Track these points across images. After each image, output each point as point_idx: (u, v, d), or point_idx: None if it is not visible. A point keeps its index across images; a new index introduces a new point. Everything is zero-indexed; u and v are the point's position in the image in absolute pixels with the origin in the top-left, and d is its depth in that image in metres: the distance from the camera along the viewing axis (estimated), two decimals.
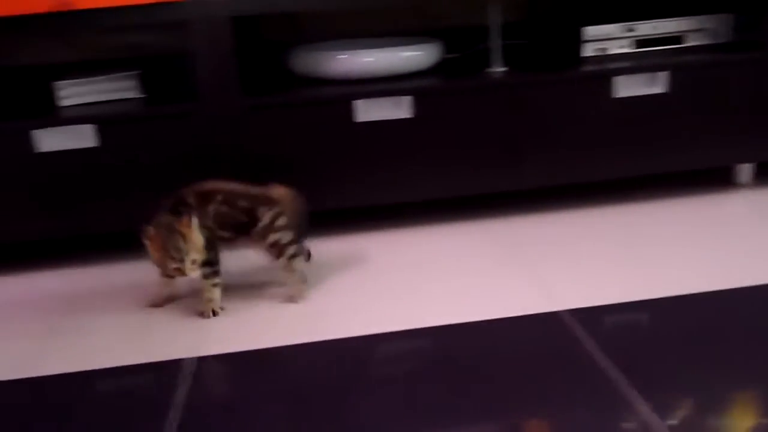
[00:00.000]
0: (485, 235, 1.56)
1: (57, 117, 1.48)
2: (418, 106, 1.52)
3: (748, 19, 1.70)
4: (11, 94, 1.73)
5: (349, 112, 1.50)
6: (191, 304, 1.30)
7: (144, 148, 1.48)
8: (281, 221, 1.27)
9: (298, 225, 1.30)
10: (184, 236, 1.16)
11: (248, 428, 0.94)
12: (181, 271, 1.17)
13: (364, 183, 1.56)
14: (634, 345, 1.08)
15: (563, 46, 1.81)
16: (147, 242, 1.17)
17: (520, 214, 1.66)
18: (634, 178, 1.71)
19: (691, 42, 1.74)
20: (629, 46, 1.73)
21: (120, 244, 1.58)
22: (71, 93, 1.56)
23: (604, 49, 1.70)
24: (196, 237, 1.18)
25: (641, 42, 1.72)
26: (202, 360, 1.12)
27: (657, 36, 1.72)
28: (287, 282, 1.30)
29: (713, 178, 1.78)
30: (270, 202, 1.27)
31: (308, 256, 1.38)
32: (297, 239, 1.29)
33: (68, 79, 1.57)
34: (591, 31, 1.69)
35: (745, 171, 1.75)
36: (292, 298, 1.30)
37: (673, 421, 0.89)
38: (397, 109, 1.52)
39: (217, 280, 1.26)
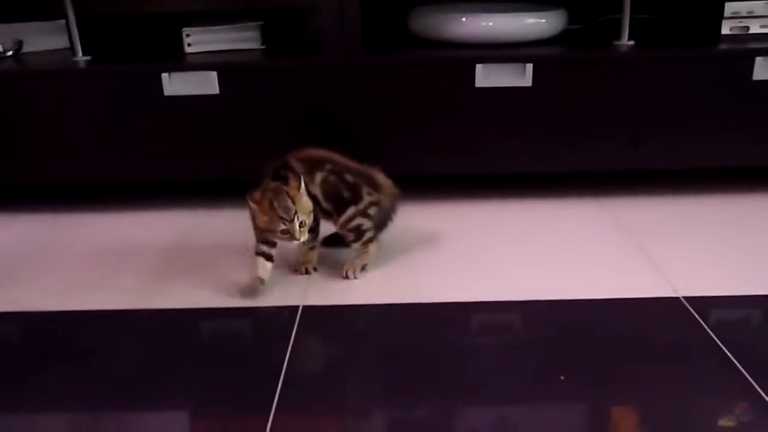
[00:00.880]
0: (597, 213, 1.51)
1: (184, 62, 1.53)
2: (539, 75, 1.48)
3: None
4: (144, 40, 1.80)
5: (469, 76, 1.47)
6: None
7: (263, 99, 1.51)
8: (373, 210, 1.23)
9: (386, 219, 1.27)
10: (293, 198, 1.12)
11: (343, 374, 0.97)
12: (291, 234, 1.11)
13: (477, 150, 1.53)
14: (754, 338, 1.03)
15: (696, 22, 1.71)
16: (253, 206, 1.13)
17: (635, 194, 1.60)
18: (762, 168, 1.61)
19: None
20: None
21: (233, 191, 1.63)
22: (198, 40, 1.61)
23: (745, 28, 1.59)
24: (306, 200, 1.14)
25: None
26: (307, 308, 1.15)
27: None
28: (358, 259, 1.25)
29: None
30: (374, 185, 1.24)
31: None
32: (378, 230, 1.26)
33: (196, 27, 1.61)
34: (732, 7, 1.58)
35: None
36: (352, 272, 1.24)
37: None
38: (517, 76, 1.48)
39: (314, 243, 1.25)
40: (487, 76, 1.48)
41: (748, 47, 1.49)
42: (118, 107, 1.52)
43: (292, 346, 1.04)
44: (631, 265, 1.27)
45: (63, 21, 1.60)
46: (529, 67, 1.47)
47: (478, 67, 1.47)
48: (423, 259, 1.32)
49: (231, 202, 1.54)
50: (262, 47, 1.65)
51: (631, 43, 1.55)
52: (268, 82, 1.50)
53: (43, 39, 1.74)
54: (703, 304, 1.12)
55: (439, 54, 1.54)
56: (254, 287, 1.17)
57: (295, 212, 1.11)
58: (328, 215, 1.23)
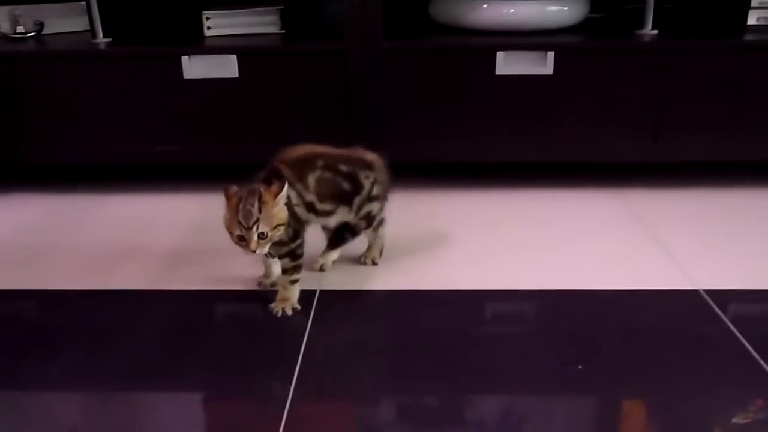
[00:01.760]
0: (614, 204, 1.50)
1: (204, 46, 1.53)
2: (560, 63, 1.46)
3: None
4: (164, 23, 1.80)
5: (490, 63, 1.46)
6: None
7: (282, 83, 1.50)
8: (376, 190, 1.16)
9: (386, 193, 1.20)
10: (262, 203, 0.99)
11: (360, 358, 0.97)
12: (245, 242, 0.99)
13: (495, 138, 1.52)
14: None
15: (721, 12, 1.69)
16: (225, 200, 1.01)
17: (651, 186, 1.59)
18: None
19: None
20: None
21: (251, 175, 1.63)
22: (217, 23, 1.61)
23: None
24: (278, 211, 1.00)
25: None
26: (324, 293, 1.15)
27: None
28: (373, 245, 1.23)
29: None
30: (367, 166, 1.16)
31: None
32: (382, 207, 1.21)
33: (215, 10, 1.61)
34: None
35: None
36: (371, 259, 1.23)
37: None
38: (538, 65, 1.46)
39: (297, 276, 1.09)
40: (508, 64, 1.46)
41: None
42: (138, 90, 1.52)
43: (309, 330, 1.04)
44: (649, 257, 1.26)
45: (84, 2, 1.60)
46: (551, 55, 1.45)
47: (499, 54, 1.46)
48: (439, 246, 1.31)
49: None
50: (281, 32, 1.64)
51: (655, 32, 1.53)
52: (287, 67, 1.49)
53: (64, 20, 1.75)
54: (723, 297, 1.11)
55: (460, 41, 1.53)
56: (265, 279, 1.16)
57: (256, 221, 0.98)
58: (328, 214, 1.14)
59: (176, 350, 1.00)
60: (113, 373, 0.95)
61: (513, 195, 1.56)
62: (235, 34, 1.61)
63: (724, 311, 1.07)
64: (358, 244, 1.23)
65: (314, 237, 1.17)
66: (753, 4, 1.55)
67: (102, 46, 1.56)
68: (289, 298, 1.09)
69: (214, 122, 1.53)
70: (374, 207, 1.17)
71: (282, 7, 1.65)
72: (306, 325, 1.05)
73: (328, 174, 1.11)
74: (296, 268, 1.09)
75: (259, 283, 1.17)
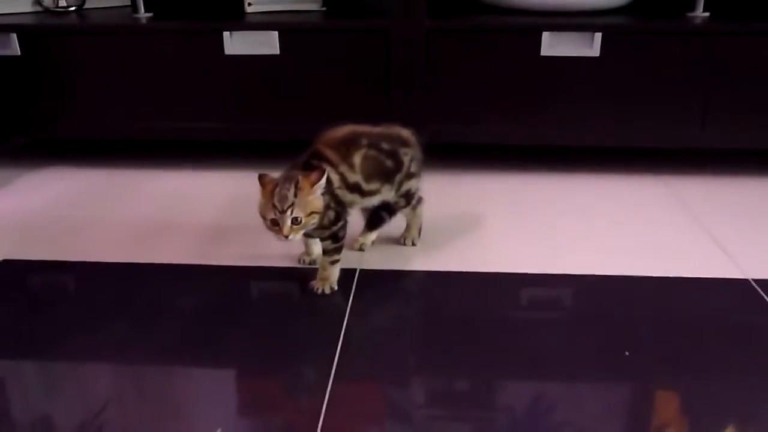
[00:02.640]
0: (660, 190, 1.46)
1: (246, 22, 1.52)
2: (608, 45, 1.43)
3: None
4: None
5: (535, 44, 1.43)
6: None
7: (323, 61, 1.49)
8: (413, 167, 1.15)
9: (420, 170, 1.18)
10: (298, 189, 0.97)
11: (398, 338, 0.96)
12: (278, 227, 0.97)
13: (539, 121, 1.50)
14: None
15: None
16: (261, 187, 1.00)
17: (698, 173, 1.55)
18: None
19: None
20: None
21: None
22: (258, 0, 1.60)
23: None
24: (313, 198, 0.99)
25: None
26: (364, 272, 1.14)
27: None
28: (411, 224, 1.22)
29: None
30: (404, 143, 1.14)
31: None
32: (419, 183, 1.18)
33: None
34: None
35: None
36: (410, 240, 1.22)
37: None
38: (585, 46, 1.43)
39: (337, 257, 1.09)
40: (554, 45, 1.43)
41: None
42: (178, 65, 1.52)
43: (349, 308, 1.03)
44: (696, 245, 1.23)
45: None
46: (598, 36, 1.42)
47: (545, 34, 1.43)
48: (479, 228, 1.30)
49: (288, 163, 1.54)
50: (323, 9, 1.63)
51: (706, 14, 1.49)
52: (329, 44, 1.48)
53: None
54: None
55: (505, 20, 1.50)
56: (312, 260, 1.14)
57: (291, 205, 0.96)
58: (373, 194, 1.12)
59: (216, 325, 1.00)
60: (153, 347, 0.95)
61: (556, 179, 1.54)
62: (276, 10, 1.60)
63: None
64: (396, 224, 1.21)
65: (353, 217, 1.16)
66: None
67: (143, 21, 1.56)
68: (329, 278, 1.09)
69: (253, 99, 1.53)
70: (413, 184, 1.16)
71: None
72: (346, 304, 1.04)
73: (372, 152, 1.09)
74: (337, 250, 1.08)
75: (300, 260, 1.17)
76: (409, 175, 1.15)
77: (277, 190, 0.97)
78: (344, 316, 1.01)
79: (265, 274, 1.15)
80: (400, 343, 0.97)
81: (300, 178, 0.98)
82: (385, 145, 1.11)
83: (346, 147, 1.07)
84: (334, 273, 1.09)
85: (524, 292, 1.10)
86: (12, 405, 0.85)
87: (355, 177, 1.07)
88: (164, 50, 1.51)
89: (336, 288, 1.08)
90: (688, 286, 1.10)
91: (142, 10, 1.59)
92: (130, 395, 0.87)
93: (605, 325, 0.99)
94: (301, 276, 1.12)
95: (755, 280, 1.10)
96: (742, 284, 1.09)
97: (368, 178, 1.09)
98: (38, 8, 1.73)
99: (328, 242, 1.07)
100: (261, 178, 0.99)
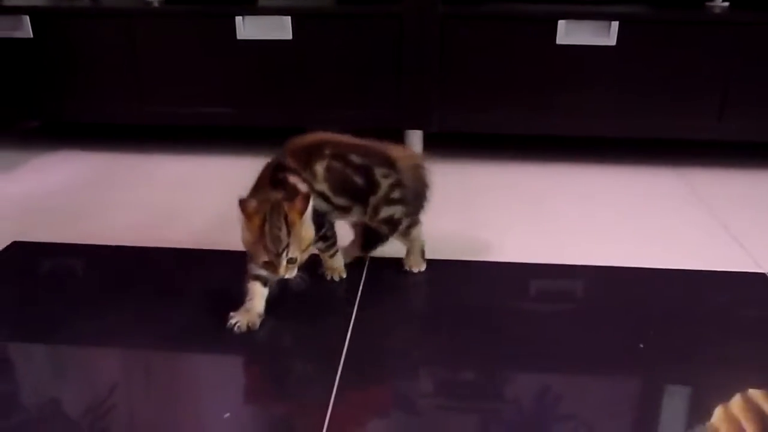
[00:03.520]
0: (674, 182, 1.44)
1: (258, 6, 1.51)
2: (624, 34, 1.40)
3: None
4: None
5: (551, 32, 1.41)
6: None
7: (335, 46, 1.48)
8: (397, 194, 1.01)
9: (419, 197, 1.05)
10: (290, 225, 0.88)
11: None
12: (273, 267, 0.89)
13: (553, 110, 1.48)
14: None
15: None
16: (243, 218, 0.89)
17: (713, 165, 1.53)
18: None
19: None
20: None
21: None
22: None
23: None
24: (306, 230, 0.90)
25: None
26: (373, 260, 1.13)
27: None
28: (410, 250, 1.09)
29: None
30: (387, 163, 1.01)
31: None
32: (415, 212, 1.05)
33: None
34: None
35: None
36: (411, 267, 1.09)
37: None
38: (601, 35, 1.41)
39: (333, 250, 1.05)
40: (569, 33, 1.41)
41: None
42: (191, 50, 1.51)
43: (360, 296, 1.02)
44: (711, 238, 1.21)
45: None
46: (615, 25, 1.40)
47: (561, 23, 1.41)
48: (492, 218, 1.28)
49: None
50: None
51: (726, 4, 1.46)
52: (342, 30, 1.47)
53: None
54: None
55: (520, 8, 1.48)
56: (254, 324, 0.94)
57: (286, 247, 0.88)
58: (345, 210, 1.02)
59: (225, 310, 0.99)
60: (160, 331, 0.94)
61: (570, 169, 1.52)
62: None
63: None
64: None
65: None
66: None
67: (156, 5, 1.55)
68: (336, 267, 1.08)
69: (265, 84, 1.52)
70: (396, 211, 1.02)
71: None
72: (356, 292, 1.03)
73: (336, 164, 0.98)
74: (330, 246, 1.04)
75: (233, 327, 0.97)
76: (390, 201, 1.01)
77: (267, 229, 0.87)
78: (354, 303, 1.00)
79: None
80: (409, 330, 0.96)
81: (287, 211, 0.88)
82: (354, 159, 0.99)
83: (308, 155, 0.98)
84: (338, 261, 1.08)
85: (536, 283, 1.09)
86: (20, 387, 0.85)
87: (320, 186, 0.98)
88: (176, 34, 1.50)
89: (345, 275, 1.07)
90: (704, 278, 1.08)
91: None
92: (137, 379, 0.87)
93: (618, 317, 0.98)
94: (312, 262, 1.11)
95: None
96: (758, 278, 1.08)
97: (335, 192, 0.99)
98: None
99: (320, 244, 1.02)
100: (243, 204, 0.89)
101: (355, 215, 1.04)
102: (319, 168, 0.97)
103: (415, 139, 1.59)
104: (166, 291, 1.04)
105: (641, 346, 0.90)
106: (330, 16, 1.47)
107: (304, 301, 1.02)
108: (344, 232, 1.10)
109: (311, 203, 0.90)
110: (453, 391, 0.84)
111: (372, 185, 1.00)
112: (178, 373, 0.88)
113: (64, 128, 1.83)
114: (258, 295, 0.96)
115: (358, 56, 1.48)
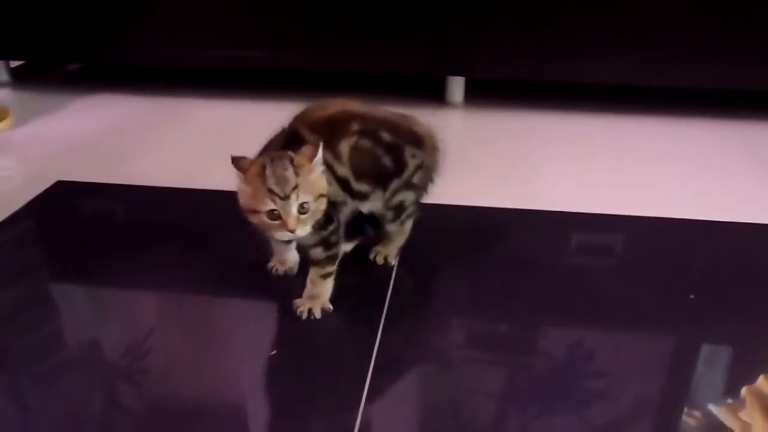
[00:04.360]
0: (726, 137, 1.39)
1: None
2: None
3: None
4: None
5: None
6: None
7: None
8: (418, 177, 0.88)
9: (429, 183, 0.92)
10: (298, 168, 0.74)
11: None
12: (280, 219, 0.74)
13: (601, 58, 1.42)
14: None
15: None
16: (239, 174, 0.76)
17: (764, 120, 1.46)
18: None
19: None
20: None
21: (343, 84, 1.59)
22: None
23: None
24: (317, 177, 0.76)
25: None
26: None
27: None
28: (392, 239, 0.95)
29: None
30: (416, 141, 0.87)
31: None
32: (419, 199, 0.92)
33: None
34: None
35: None
36: (386, 257, 0.95)
37: None
38: None
39: (330, 268, 0.85)
40: None
41: None
42: None
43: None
44: (765, 193, 1.16)
45: None
46: None
47: None
48: (541, 167, 1.26)
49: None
50: None
51: None
52: None
53: None
54: None
55: None
56: (291, 270, 0.91)
57: (295, 187, 0.72)
58: (363, 198, 0.87)
59: (264, 253, 0.98)
60: (200, 273, 0.94)
61: (618, 120, 1.47)
62: None
63: None
64: None
65: None
66: None
67: None
68: (320, 296, 0.85)
69: (302, 28, 1.48)
70: (408, 197, 0.89)
71: None
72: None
73: (366, 143, 0.83)
74: (330, 259, 0.84)
75: (272, 270, 0.94)
76: (410, 186, 0.88)
77: (269, 171, 0.73)
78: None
79: None
80: (449, 278, 0.94)
81: (295, 156, 0.75)
82: (385, 136, 0.85)
83: (331, 130, 0.81)
84: (326, 289, 0.85)
85: (582, 233, 1.06)
86: (62, 328, 0.86)
87: (343, 170, 0.82)
88: None
89: (330, 308, 0.85)
90: (759, 232, 1.04)
91: None
92: (176, 320, 0.87)
93: (677, 266, 0.95)
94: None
95: None
96: None
97: (359, 176, 0.84)
98: None
99: (319, 250, 0.83)
100: (236, 161, 0.75)
101: (370, 204, 0.88)
102: (345, 147, 0.82)
103: (457, 86, 1.55)
104: (206, 233, 1.04)
105: (692, 296, 0.87)
106: None
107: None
108: None
109: (321, 151, 0.75)
110: (488, 343, 0.83)
111: (400, 167, 0.86)
112: (218, 314, 0.88)
113: (107, 71, 1.83)
114: (287, 248, 0.90)
115: None
